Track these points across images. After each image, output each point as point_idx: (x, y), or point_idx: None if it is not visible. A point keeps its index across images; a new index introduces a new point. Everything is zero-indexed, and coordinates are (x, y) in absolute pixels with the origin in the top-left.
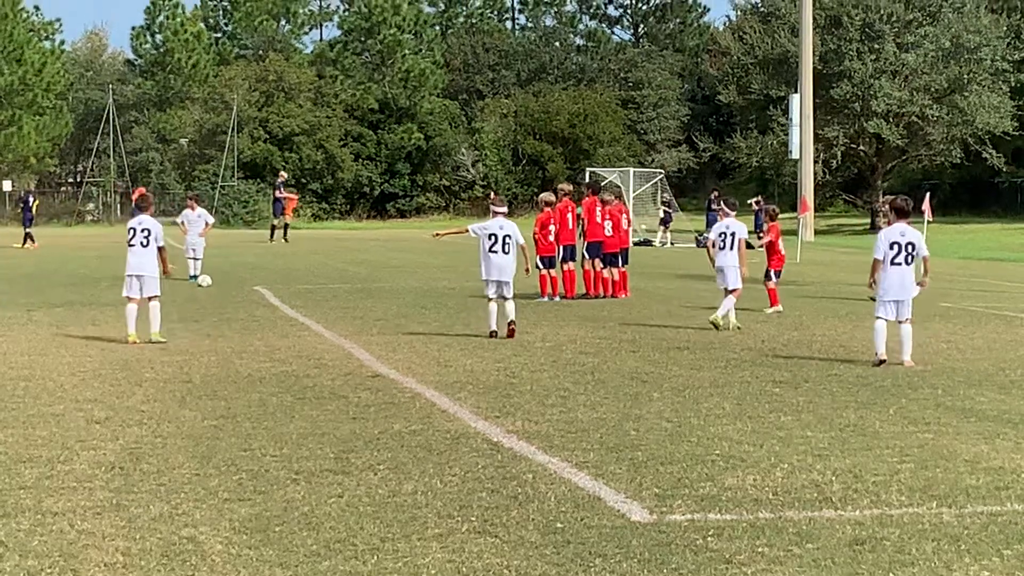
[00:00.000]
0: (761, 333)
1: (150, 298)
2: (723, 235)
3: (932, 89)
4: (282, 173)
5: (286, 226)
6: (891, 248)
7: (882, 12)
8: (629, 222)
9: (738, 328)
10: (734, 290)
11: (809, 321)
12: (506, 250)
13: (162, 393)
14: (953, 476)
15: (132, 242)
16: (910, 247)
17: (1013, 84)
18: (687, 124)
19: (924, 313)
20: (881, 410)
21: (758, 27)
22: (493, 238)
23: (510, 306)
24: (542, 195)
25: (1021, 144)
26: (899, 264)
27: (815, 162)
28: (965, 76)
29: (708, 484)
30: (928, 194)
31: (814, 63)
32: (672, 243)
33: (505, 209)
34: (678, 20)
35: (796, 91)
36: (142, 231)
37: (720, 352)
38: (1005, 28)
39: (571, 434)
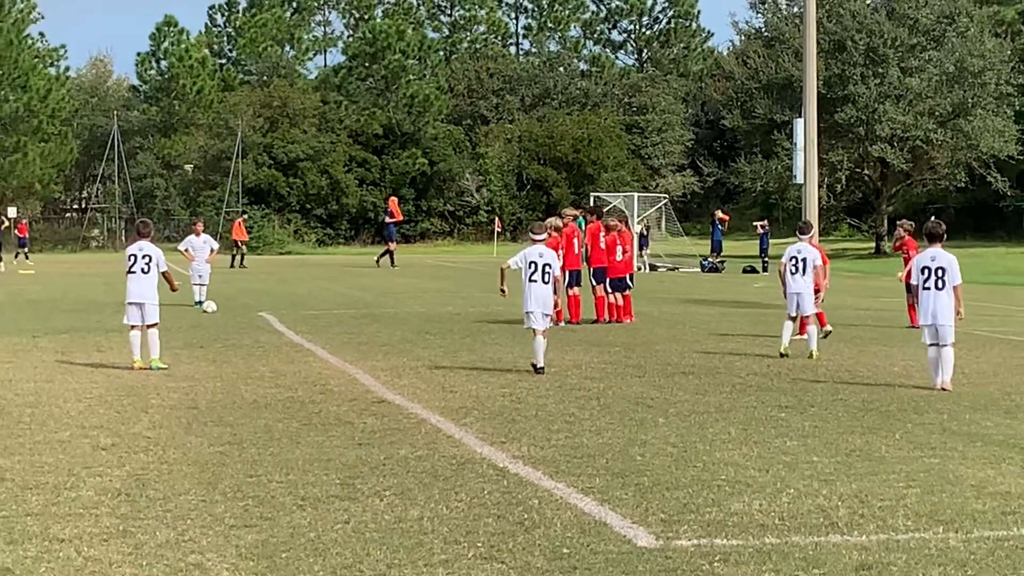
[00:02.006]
0: (766, 358)
1: (149, 326)
2: (794, 259)
3: (936, 113)
4: (393, 199)
5: (390, 252)
6: (922, 273)
7: (886, 37)
8: (631, 247)
9: (816, 356)
10: (807, 316)
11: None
12: (545, 279)
13: (168, 419)
14: (959, 501)
15: (132, 269)
16: (940, 271)
17: (1017, 108)
18: (691, 149)
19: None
20: (887, 435)
21: (762, 52)
22: (533, 266)
23: (540, 343)
24: (549, 220)
25: None
26: (929, 288)
27: (819, 186)
28: (969, 100)
29: (714, 509)
30: (932, 218)
31: (818, 87)
32: (653, 267)
33: (544, 236)
34: (682, 45)
35: (800, 115)
36: (143, 257)
37: (725, 377)
38: (1009, 52)
39: (577, 459)
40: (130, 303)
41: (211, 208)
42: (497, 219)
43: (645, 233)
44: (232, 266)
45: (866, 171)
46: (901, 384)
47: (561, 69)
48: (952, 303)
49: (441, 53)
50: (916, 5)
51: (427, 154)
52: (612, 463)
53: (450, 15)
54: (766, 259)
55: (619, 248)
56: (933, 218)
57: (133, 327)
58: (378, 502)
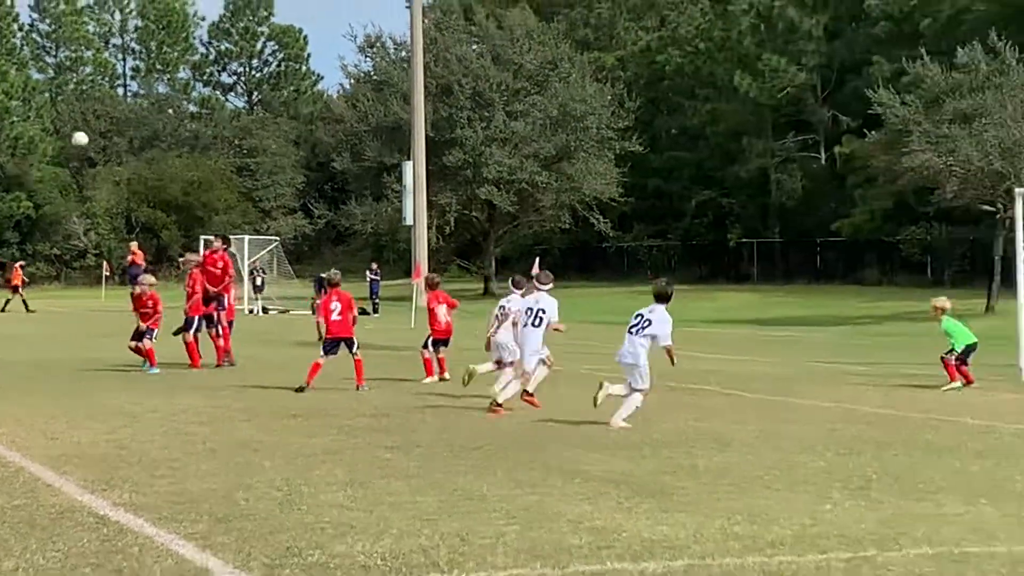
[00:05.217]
0: (375, 399)
1: None
2: (530, 310)
3: (541, 156)
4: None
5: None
6: (526, 313)
7: (491, 81)
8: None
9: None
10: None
11: (426, 387)
12: (536, 323)
13: None
14: (557, 536)
15: None
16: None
17: (618, 151)
18: (303, 191)
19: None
20: (489, 473)
21: (371, 95)
22: (529, 311)
23: (515, 382)
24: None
25: (627, 210)
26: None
27: (429, 228)
28: (572, 144)
29: (317, 552)
30: (537, 259)
31: (427, 131)
32: (265, 310)
33: (524, 290)
34: (292, 88)
35: (409, 158)
36: None
37: (334, 419)
38: (609, 97)
39: (180, 505)
40: None
41: None
42: (106, 263)
43: (262, 276)
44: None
45: (474, 213)
46: (505, 421)
47: (171, 111)
48: (645, 349)
49: (47, 95)
50: (520, 51)
51: (32, 197)
52: (215, 508)
53: (55, 56)
54: (377, 300)
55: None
56: (664, 279)
57: None
58: None
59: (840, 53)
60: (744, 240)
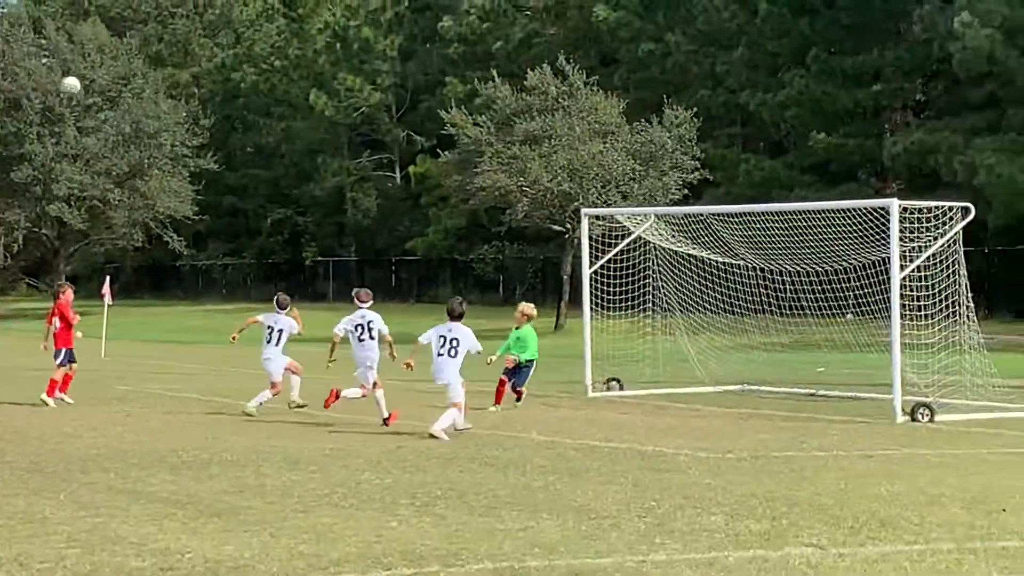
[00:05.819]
0: None
1: None
2: (271, 329)
3: (114, 173)
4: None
5: None
6: (356, 329)
7: (61, 96)
8: None
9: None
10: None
11: None
12: (372, 337)
13: None
14: (120, 559)
15: None
16: (455, 341)
17: (193, 169)
18: None
19: (103, 396)
20: (51, 496)
21: None
22: (359, 328)
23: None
24: None
25: (202, 228)
26: (442, 355)
27: None
28: (146, 161)
29: None
30: (108, 278)
31: None
32: None
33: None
34: None
35: None
36: None
37: None
38: (184, 114)
39: None
40: None
41: None
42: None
43: None
44: None
45: (44, 230)
46: (72, 443)
47: None
48: (458, 367)
49: None
50: (92, 65)
51: None
52: None
53: None
54: None
55: None
56: (457, 299)
57: None
58: None
59: (414, 73)
60: (320, 258)
